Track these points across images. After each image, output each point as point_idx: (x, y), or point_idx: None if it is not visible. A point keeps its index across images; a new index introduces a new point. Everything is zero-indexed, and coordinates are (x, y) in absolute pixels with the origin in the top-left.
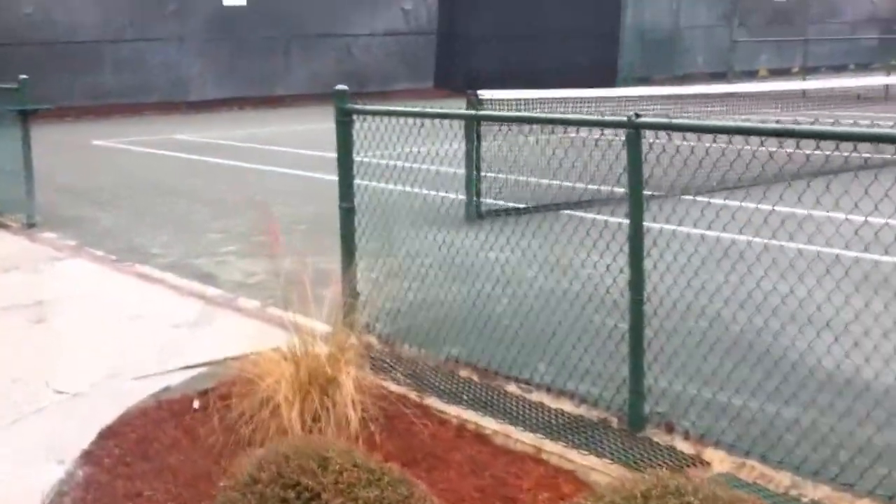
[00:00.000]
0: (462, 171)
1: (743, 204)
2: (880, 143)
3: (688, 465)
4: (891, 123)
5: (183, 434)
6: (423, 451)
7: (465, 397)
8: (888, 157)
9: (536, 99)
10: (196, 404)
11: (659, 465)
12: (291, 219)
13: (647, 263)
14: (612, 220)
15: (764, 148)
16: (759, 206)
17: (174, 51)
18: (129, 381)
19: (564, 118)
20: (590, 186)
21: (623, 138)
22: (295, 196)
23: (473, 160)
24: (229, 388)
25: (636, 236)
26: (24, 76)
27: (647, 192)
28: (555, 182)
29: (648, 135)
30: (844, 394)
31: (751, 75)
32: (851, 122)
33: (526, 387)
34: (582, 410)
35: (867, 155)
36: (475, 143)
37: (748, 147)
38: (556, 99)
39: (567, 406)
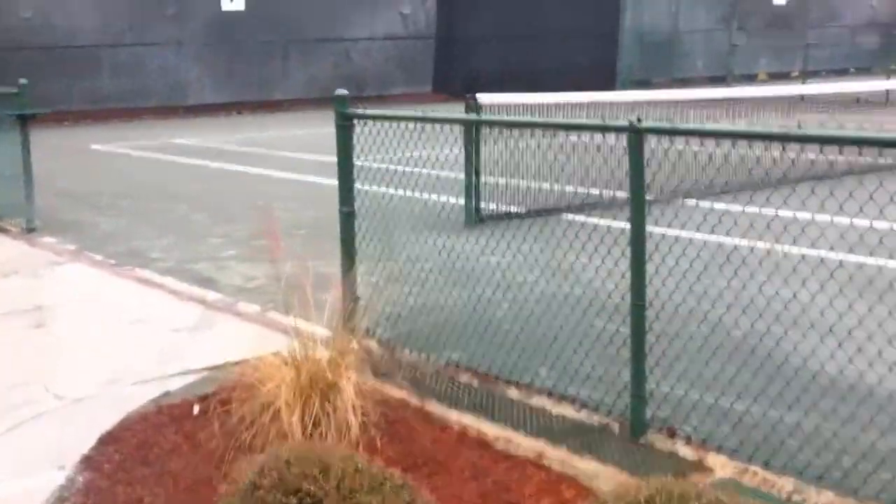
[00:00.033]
0: (461, 175)
1: (746, 209)
2: (886, 147)
3: (690, 471)
4: (895, 127)
5: (183, 439)
6: (424, 456)
7: (465, 402)
8: (893, 162)
9: (538, 103)
10: (196, 409)
11: (661, 470)
12: (291, 223)
13: (648, 268)
14: (612, 224)
15: (768, 152)
16: (762, 210)
17: (173, 55)
18: (129, 385)
19: (566, 123)
20: (589, 191)
21: (623, 142)
22: (294, 200)
23: (473, 165)
24: (230, 392)
25: (638, 241)
26: (23, 80)
27: (648, 197)
28: (555, 186)
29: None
30: (847, 399)
31: (750, 79)
32: (856, 126)
33: (527, 392)
34: (583, 415)
35: (871, 160)
36: (474, 147)
37: (751, 152)
38: (555, 104)
39: (568, 411)
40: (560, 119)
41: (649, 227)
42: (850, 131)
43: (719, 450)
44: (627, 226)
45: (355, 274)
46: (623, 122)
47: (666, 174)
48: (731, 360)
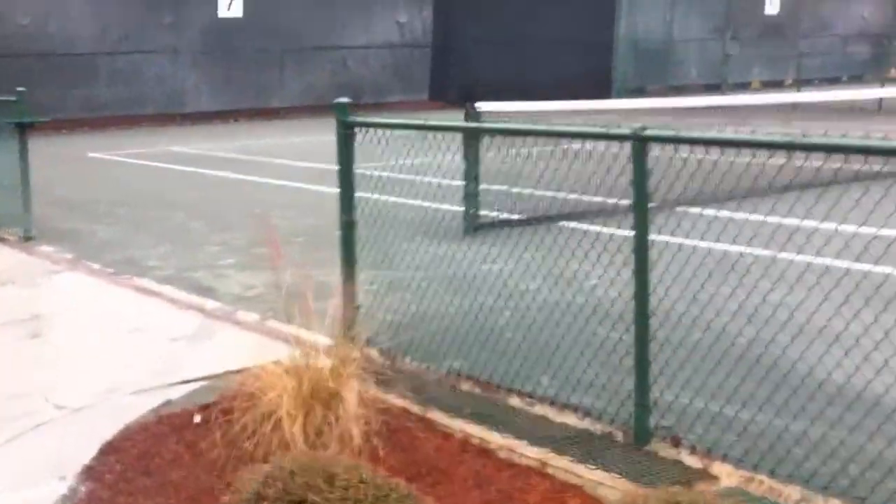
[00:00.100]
0: (459, 182)
1: (750, 217)
2: (891, 155)
3: (696, 480)
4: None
5: (184, 449)
6: (427, 465)
7: (468, 411)
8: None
9: (535, 112)
10: (197, 419)
11: (666, 479)
12: (289, 231)
13: (652, 276)
14: (610, 231)
15: (773, 160)
16: (767, 218)
17: (170, 63)
18: (129, 395)
19: (568, 130)
20: (588, 198)
21: (619, 150)
22: (292, 208)
23: (472, 172)
24: (231, 402)
25: (641, 249)
26: (21, 88)
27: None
28: (552, 194)
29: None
30: (854, 407)
31: (744, 87)
32: (862, 134)
33: (529, 400)
34: (586, 424)
35: (877, 167)
36: (474, 155)
37: (755, 160)
38: (555, 112)
39: (571, 419)
40: (562, 127)
41: (652, 235)
42: (856, 139)
43: (725, 458)
44: (627, 233)
45: (355, 282)
46: (626, 131)
47: (670, 182)
48: (737, 369)
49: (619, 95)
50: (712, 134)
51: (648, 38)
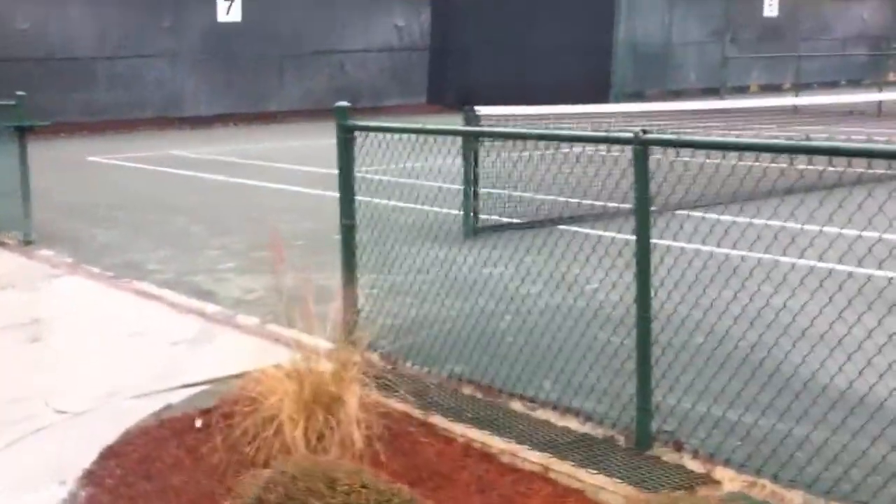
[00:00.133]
0: (458, 186)
1: (753, 220)
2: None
3: (698, 484)
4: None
5: (185, 453)
6: (428, 469)
7: (469, 415)
8: None
9: (534, 115)
10: (198, 423)
11: (668, 483)
12: (289, 235)
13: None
14: (611, 235)
15: (775, 164)
16: (770, 222)
17: (169, 67)
18: (130, 399)
19: (569, 135)
20: (589, 202)
21: (616, 153)
22: (291, 212)
23: (471, 176)
24: (232, 406)
25: (643, 253)
26: (20, 92)
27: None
28: (553, 197)
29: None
30: (857, 412)
31: (742, 91)
32: (866, 137)
33: (531, 404)
34: (588, 428)
35: (882, 171)
36: (472, 158)
37: (756, 164)
38: (553, 115)
39: (573, 424)
40: (564, 131)
41: (653, 239)
42: (860, 143)
43: (727, 463)
44: (625, 236)
45: (356, 286)
46: (628, 134)
47: (671, 185)
48: (739, 373)
49: (618, 99)
50: (714, 137)
51: (647, 42)
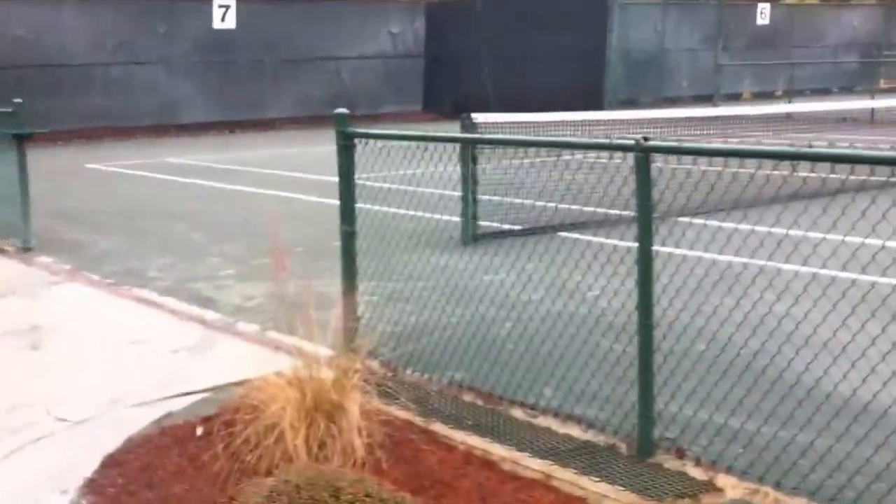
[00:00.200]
0: (456, 193)
1: (756, 227)
2: None
3: (700, 492)
4: (887, 146)
5: (187, 462)
6: (430, 477)
7: (470, 422)
8: None
9: (530, 122)
10: (200, 431)
11: (671, 491)
12: (288, 241)
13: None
14: (612, 242)
15: (778, 172)
16: (772, 229)
17: (165, 74)
18: (131, 407)
19: (570, 142)
20: (590, 209)
21: (618, 160)
22: (290, 219)
23: (469, 183)
24: (233, 414)
25: (645, 260)
26: (18, 100)
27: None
28: (553, 204)
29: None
30: (861, 419)
31: (735, 98)
32: (866, 144)
33: (532, 411)
34: (590, 436)
35: (885, 178)
36: (471, 166)
37: (759, 171)
38: (550, 122)
39: (575, 431)
40: (565, 138)
41: (655, 246)
42: (864, 150)
43: (729, 470)
44: (628, 244)
45: (356, 293)
46: (630, 142)
47: (672, 192)
48: (741, 380)
49: (612, 107)
50: (716, 145)
51: (640, 49)
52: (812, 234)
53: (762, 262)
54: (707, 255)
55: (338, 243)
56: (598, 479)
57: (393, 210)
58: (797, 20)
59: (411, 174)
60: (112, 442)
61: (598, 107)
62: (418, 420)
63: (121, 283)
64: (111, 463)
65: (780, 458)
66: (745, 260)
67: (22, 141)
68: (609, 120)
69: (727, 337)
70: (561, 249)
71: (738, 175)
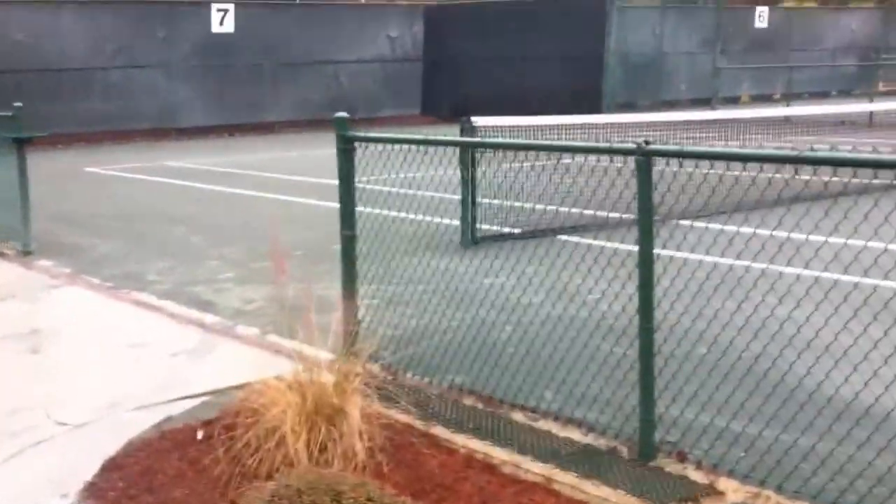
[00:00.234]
0: (456, 196)
1: (758, 230)
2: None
3: (702, 495)
4: (889, 149)
5: (187, 465)
6: (431, 481)
7: (471, 426)
8: None
9: (530, 126)
10: (200, 435)
11: (673, 495)
12: (287, 245)
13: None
14: (613, 245)
15: (780, 175)
16: (774, 232)
17: (164, 78)
18: (131, 410)
19: (571, 145)
20: (590, 212)
21: (619, 164)
22: (289, 222)
23: (469, 186)
24: (233, 417)
25: (646, 263)
26: (18, 104)
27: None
28: (554, 207)
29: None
30: (863, 423)
31: (734, 101)
32: (870, 147)
33: (532, 415)
34: (591, 439)
35: (889, 181)
36: (470, 169)
37: (761, 174)
38: (549, 126)
39: (575, 435)
40: (566, 142)
41: (656, 250)
42: (866, 154)
43: (731, 474)
44: (629, 247)
45: (357, 297)
46: (631, 145)
47: (675, 195)
48: (743, 384)
49: (610, 110)
50: (718, 148)
51: (638, 53)
52: (814, 238)
53: (764, 266)
54: (708, 259)
55: (337, 246)
56: (599, 482)
57: (393, 213)
58: (795, 23)
59: (411, 177)
60: (112, 446)
61: (597, 110)
62: (419, 424)
63: (120, 286)
64: (111, 467)
65: (781, 461)
66: (746, 263)
67: (22, 145)
68: (608, 123)
69: (728, 340)
70: (561, 253)
71: (739, 178)
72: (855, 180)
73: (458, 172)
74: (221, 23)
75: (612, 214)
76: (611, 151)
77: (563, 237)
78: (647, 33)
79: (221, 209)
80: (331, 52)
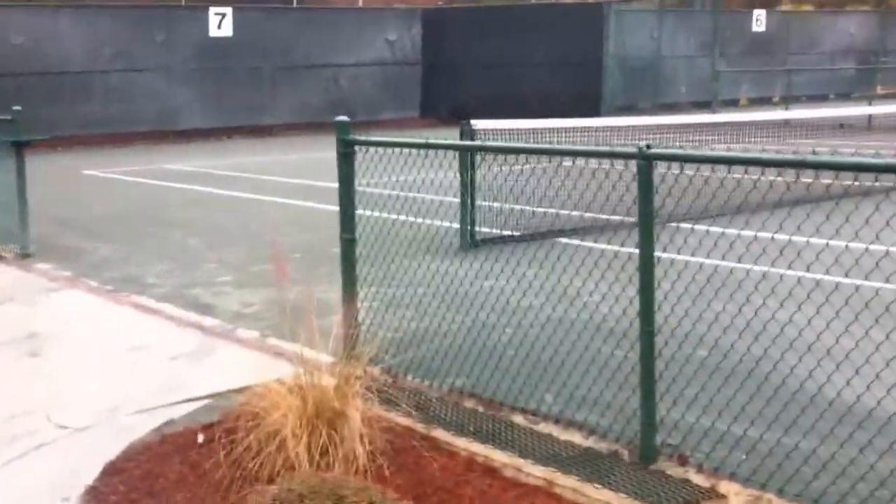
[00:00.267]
0: (456, 199)
1: (758, 234)
2: None
3: (703, 499)
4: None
5: (188, 469)
6: (432, 485)
7: (471, 429)
8: None
9: (530, 129)
10: (200, 438)
11: (674, 498)
12: (287, 248)
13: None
14: (613, 248)
15: (781, 178)
16: (775, 235)
17: (163, 81)
18: (132, 414)
19: (573, 149)
20: (591, 215)
21: (620, 167)
22: (288, 225)
23: (468, 189)
24: (234, 421)
25: (646, 266)
26: (17, 107)
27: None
28: (554, 210)
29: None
30: (865, 426)
31: (733, 104)
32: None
33: (533, 418)
34: (591, 442)
35: (889, 184)
36: (469, 172)
37: (762, 177)
38: (548, 129)
39: (576, 437)
40: (567, 146)
41: (656, 252)
42: (868, 158)
43: (732, 477)
44: (628, 250)
45: (356, 300)
46: (632, 149)
47: (676, 199)
48: (744, 386)
49: (609, 113)
50: (719, 152)
51: (636, 56)
52: (815, 241)
53: (764, 269)
54: (709, 262)
55: (337, 249)
56: (600, 486)
57: (392, 216)
58: (793, 27)
59: (411, 180)
60: (113, 449)
61: (596, 113)
62: (420, 427)
63: (119, 289)
64: (112, 470)
65: (783, 464)
66: (747, 266)
67: (21, 148)
68: (608, 126)
69: (729, 343)
70: (561, 255)
71: (741, 181)
72: (856, 184)
73: (458, 175)
74: (219, 27)
75: (612, 217)
76: (612, 155)
77: (564, 240)
78: (645, 37)
79: (221, 212)
80: (329, 55)
